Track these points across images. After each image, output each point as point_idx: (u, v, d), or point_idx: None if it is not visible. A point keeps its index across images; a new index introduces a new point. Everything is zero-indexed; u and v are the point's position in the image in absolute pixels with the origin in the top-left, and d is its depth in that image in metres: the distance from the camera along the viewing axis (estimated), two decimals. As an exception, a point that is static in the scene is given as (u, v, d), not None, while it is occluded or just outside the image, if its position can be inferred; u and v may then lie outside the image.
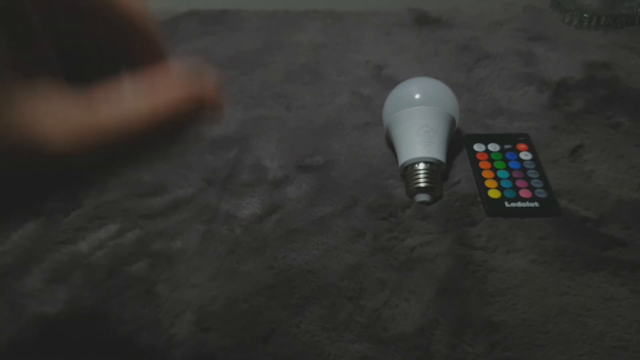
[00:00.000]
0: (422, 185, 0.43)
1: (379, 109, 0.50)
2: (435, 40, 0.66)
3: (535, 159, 0.48)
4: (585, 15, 0.67)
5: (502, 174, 0.46)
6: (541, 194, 0.44)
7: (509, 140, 0.50)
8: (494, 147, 0.49)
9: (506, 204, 0.44)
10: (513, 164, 0.47)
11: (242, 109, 0.56)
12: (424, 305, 0.37)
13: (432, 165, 0.44)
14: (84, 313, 0.37)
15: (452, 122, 0.46)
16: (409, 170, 0.44)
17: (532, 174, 0.46)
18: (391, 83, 0.55)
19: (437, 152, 0.44)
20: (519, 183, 0.45)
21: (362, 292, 0.38)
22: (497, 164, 0.47)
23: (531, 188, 0.45)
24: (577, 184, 0.46)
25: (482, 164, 0.47)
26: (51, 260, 0.41)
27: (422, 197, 0.44)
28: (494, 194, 0.44)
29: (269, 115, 0.55)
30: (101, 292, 0.38)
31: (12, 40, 0.18)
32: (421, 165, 0.44)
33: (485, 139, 0.50)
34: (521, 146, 0.49)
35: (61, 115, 0.18)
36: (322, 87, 0.59)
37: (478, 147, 0.49)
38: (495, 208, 0.43)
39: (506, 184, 0.45)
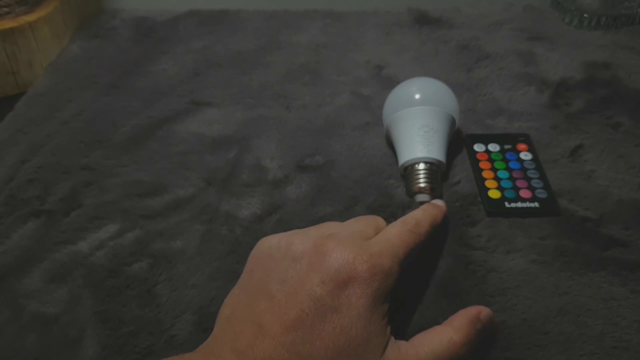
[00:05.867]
0: (422, 185, 0.43)
1: (379, 109, 0.50)
2: (435, 40, 0.66)
3: (535, 159, 0.48)
4: (585, 15, 0.67)
5: (502, 174, 0.46)
6: (541, 194, 0.44)
7: (509, 140, 0.50)
8: (494, 147, 0.49)
9: (506, 204, 0.44)
10: (513, 164, 0.47)
11: (242, 109, 0.56)
12: (424, 306, 0.37)
13: (432, 166, 0.44)
14: (84, 313, 0.37)
15: (452, 122, 0.46)
16: (409, 170, 0.44)
17: (532, 174, 0.46)
18: (391, 83, 0.55)
19: (437, 152, 0.44)
20: (519, 183, 0.45)
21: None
22: (497, 164, 0.47)
23: (531, 188, 0.45)
24: (577, 184, 0.46)
25: (482, 164, 0.47)
26: (51, 260, 0.41)
27: (422, 197, 0.44)
28: (494, 194, 0.44)
29: (269, 115, 0.55)
30: (101, 292, 0.38)
31: None
32: (421, 166, 0.44)
33: (485, 139, 0.50)
34: (521, 146, 0.49)
35: None
36: (322, 87, 0.59)
37: (478, 147, 0.49)
38: (495, 208, 0.43)
39: (506, 184, 0.45)
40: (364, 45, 0.65)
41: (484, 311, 0.33)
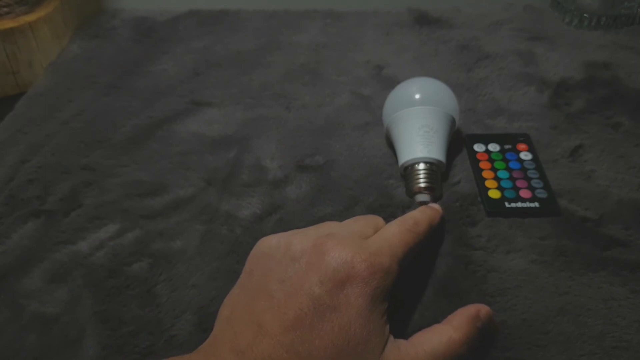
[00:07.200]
0: (422, 185, 0.43)
1: (379, 109, 0.50)
2: (435, 40, 0.66)
3: (535, 159, 0.48)
4: (585, 15, 0.67)
5: (503, 174, 0.46)
6: (541, 194, 0.44)
7: (509, 140, 0.50)
8: (494, 147, 0.49)
9: (506, 204, 0.44)
10: (513, 164, 0.47)
11: (242, 109, 0.56)
12: (424, 305, 0.37)
13: (432, 166, 0.44)
14: (84, 313, 0.37)
15: (452, 122, 0.46)
16: (409, 171, 0.44)
17: (532, 174, 0.46)
18: (391, 83, 0.55)
19: (437, 152, 0.44)
20: (519, 183, 0.45)
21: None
22: (497, 164, 0.47)
23: (531, 188, 0.45)
24: (577, 184, 0.46)
25: (482, 164, 0.47)
26: (51, 260, 0.41)
27: (422, 197, 0.44)
28: (494, 194, 0.44)
29: (269, 115, 0.55)
30: (101, 292, 0.38)
31: None
32: (421, 166, 0.44)
33: (485, 139, 0.50)
34: (521, 146, 0.49)
35: None
36: (322, 87, 0.59)
37: (478, 147, 0.49)
38: (495, 208, 0.43)
39: (506, 184, 0.45)
40: (364, 45, 0.65)
41: (483, 309, 0.33)
